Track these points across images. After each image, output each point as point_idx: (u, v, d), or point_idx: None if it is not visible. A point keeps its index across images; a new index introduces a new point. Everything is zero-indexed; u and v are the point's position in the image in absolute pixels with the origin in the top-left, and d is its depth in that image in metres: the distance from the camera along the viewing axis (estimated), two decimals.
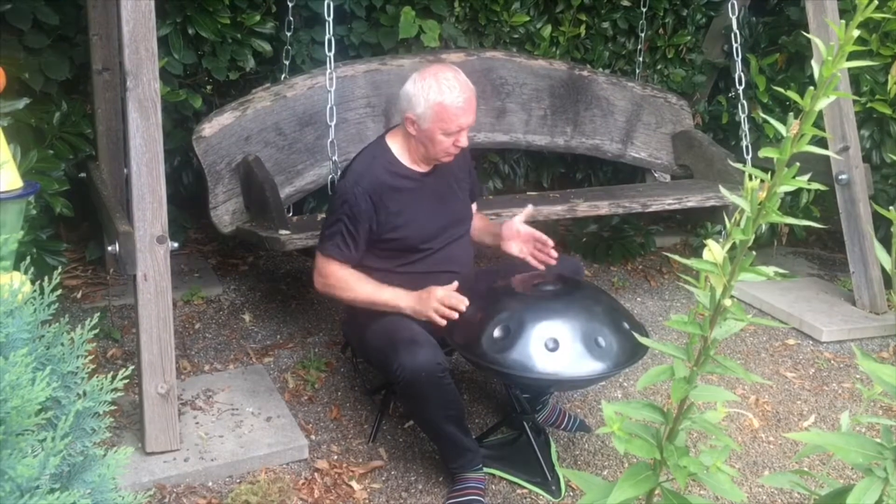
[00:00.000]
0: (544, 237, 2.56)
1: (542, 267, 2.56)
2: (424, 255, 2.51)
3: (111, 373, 1.31)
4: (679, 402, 1.18)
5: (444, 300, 2.31)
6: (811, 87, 0.96)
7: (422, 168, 2.52)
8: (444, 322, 2.31)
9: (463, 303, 2.30)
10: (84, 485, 1.13)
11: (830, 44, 0.92)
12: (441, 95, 2.34)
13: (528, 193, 4.01)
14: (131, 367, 1.40)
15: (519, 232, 2.59)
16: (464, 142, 2.43)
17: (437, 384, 2.23)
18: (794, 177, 0.99)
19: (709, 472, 1.17)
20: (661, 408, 1.25)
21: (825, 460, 2.66)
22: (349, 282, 2.45)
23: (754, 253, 1.06)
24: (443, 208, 2.57)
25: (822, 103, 0.96)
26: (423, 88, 2.36)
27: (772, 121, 1.04)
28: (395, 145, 2.52)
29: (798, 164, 1.00)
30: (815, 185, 1.06)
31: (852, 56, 0.98)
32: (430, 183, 2.53)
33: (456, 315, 2.29)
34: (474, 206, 2.82)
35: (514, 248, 2.60)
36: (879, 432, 1.27)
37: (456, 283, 2.36)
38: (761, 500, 2.49)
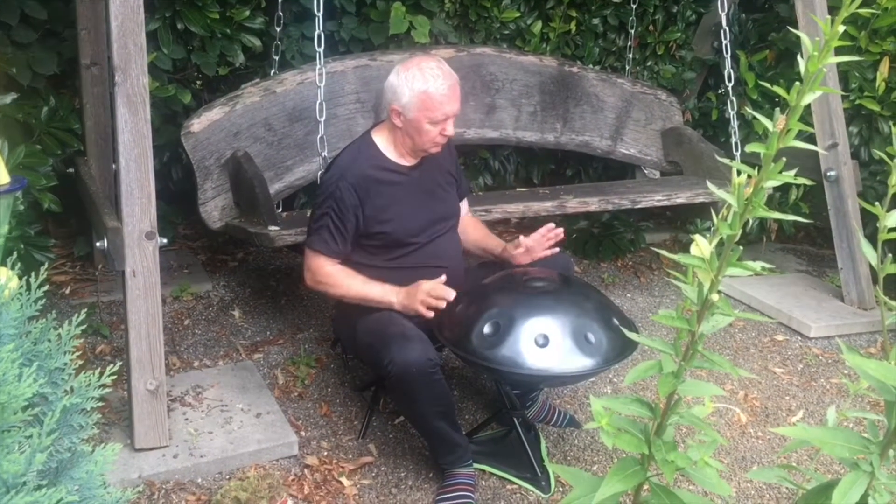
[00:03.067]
0: (541, 230, 2.56)
1: (556, 250, 2.58)
2: (411, 249, 2.51)
3: (99, 369, 1.30)
4: (666, 397, 1.18)
5: (430, 292, 2.31)
6: (797, 83, 0.97)
7: (408, 162, 2.52)
8: (431, 314, 2.31)
9: (449, 294, 2.30)
10: (72, 481, 1.13)
11: (816, 39, 0.92)
12: (425, 84, 2.35)
13: (518, 190, 4.02)
14: (119, 364, 1.39)
15: (521, 252, 2.58)
16: (450, 130, 2.43)
17: (428, 380, 2.23)
18: (780, 172, 0.99)
19: (696, 466, 1.18)
20: (650, 403, 1.25)
21: (813, 455, 2.67)
22: (338, 278, 2.45)
23: (741, 248, 1.06)
24: (429, 203, 2.57)
25: (808, 98, 0.96)
26: (406, 79, 2.37)
27: (759, 116, 1.04)
28: (381, 140, 2.52)
29: (784, 159, 1.01)
30: (801, 180, 1.06)
31: (840, 52, 0.99)
32: (417, 177, 2.53)
33: (443, 305, 2.29)
34: (465, 204, 2.83)
35: (525, 259, 2.59)
36: (866, 427, 1.28)
37: (444, 277, 2.36)
38: (750, 494, 2.50)
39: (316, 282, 2.48)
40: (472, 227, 2.81)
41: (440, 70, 2.38)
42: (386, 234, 2.47)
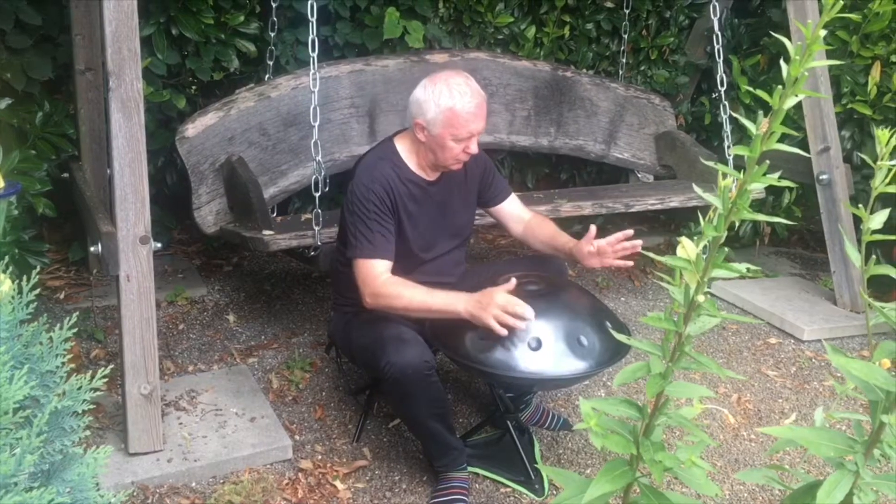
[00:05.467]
0: (618, 234, 2.44)
1: (630, 264, 2.47)
2: (417, 263, 2.50)
3: (91, 372, 1.31)
4: (655, 398, 1.19)
5: (506, 308, 2.15)
6: (779, 86, 0.98)
7: (428, 176, 2.50)
8: (504, 332, 2.14)
9: (528, 312, 2.15)
10: (63, 483, 1.13)
11: (798, 44, 0.93)
12: (452, 101, 2.32)
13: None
14: (110, 367, 1.40)
15: (591, 252, 2.48)
16: (474, 149, 2.40)
17: (425, 382, 2.24)
18: (764, 174, 1.01)
19: (684, 467, 1.18)
20: (638, 404, 1.26)
21: (805, 456, 2.68)
22: (398, 289, 2.31)
23: (726, 249, 1.08)
24: (443, 219, 2.55)
25: (790, 102, 0.97)
26: (433, 94, 2.34)
27: (744, 120, 1.05)
28: (403, 149, 2.49)
29: (768, 161, 1.02)
30: (785, 183, 1.08)
31: (831, 56, 1.00)
32: (435, 193, 2.51)
33: (522, 326, 2.14)
34: (516, 203, 2.75)
35: (595, 262, 2.49)
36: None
37: (514, 282, 2.21)
38: (742, 497, 2.51)
39: (376, 296, 2.31)
40: (538, 226, 2.71)
41: (468, 87, 2.35)
42: (398, 247, 2.43)
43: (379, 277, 2.33)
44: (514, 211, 2.76)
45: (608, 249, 2.45)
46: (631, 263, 2.48)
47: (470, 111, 2.33)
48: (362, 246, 2.35)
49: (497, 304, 2.15)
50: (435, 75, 2.40)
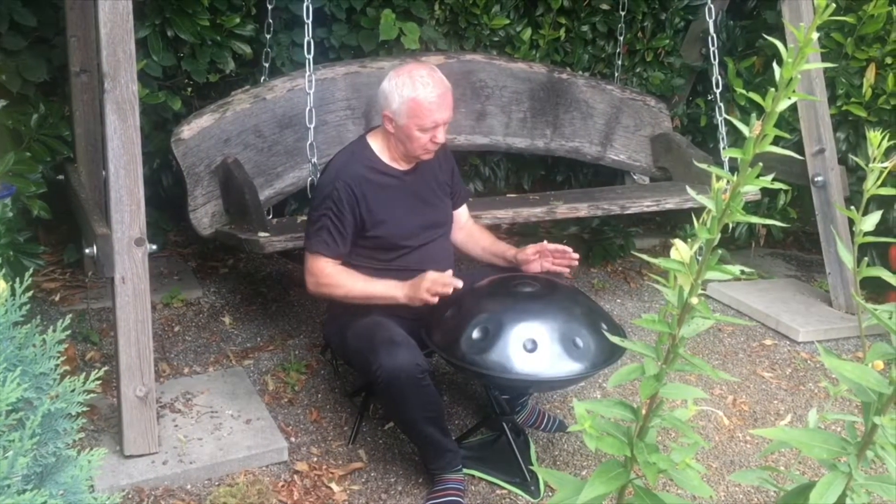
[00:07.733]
0: (562, 247, 2.58)
1: (566, 271, 2.61)
2: (402, 253, 2.52)
3: (84, 374, 1.31)
4: (649, 400, 1.19)
5: (436, 280, 2.32)
6: (772, 89, 0.98)
7: (402, 166, 2.55)
8: (436, 300, 2.31)
9: (456, 281, 2.31)
10: (57, 485, 1.13)
11: (790, 46, 0.94)
12: (414, 91, 2.38)
13: (508, 196, 4.02)
14: (104, 368, 1.39)
15: (534, 258, 2.60)
16: (441, 138, 2.45)
17: (417, 385, 2.24)
18: (757, 176, 1.01)
19: (678, 468, 1.19)
20: (632, 406, 1.26)
21: (798, 457, 2.68)
22: (341, 278, 2.45)
23: (720, 251, 1.08)
24: (422, 208, 2.58)
25: (783, 105, 0.98)
26: (397, 85, 2.40)
27: (737, 123, 1.05)
28: (376, 144, 2.55)
29: (761, 164, 1.02)
30: (777, 185, 1.08)
31: (826, 58, 1.00)
32: (411, 182, 2.55)
33: (450, 290, 2.30)
34: (465, 210, 2.85)
35: (535, 266, 2.60)
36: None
37: (450, 271, 2.39)
38: (738, 498, 2.51)
39: (318, 285, 2.47)
40: (479, 233, 2.84)
41: (430, 78, 2.41)
42: (378, 237, 2.48)
43: (323, 270, 2.45)
44: (462, 218, 2.84)
45: (549, 254, 2.58)
46: (566, 270, 2.62)
47: (432, 101, 2.39)
48: (313, 241, 2.46)
49: (428, 279, 2.33)
50: (400, 68, 2.47)
